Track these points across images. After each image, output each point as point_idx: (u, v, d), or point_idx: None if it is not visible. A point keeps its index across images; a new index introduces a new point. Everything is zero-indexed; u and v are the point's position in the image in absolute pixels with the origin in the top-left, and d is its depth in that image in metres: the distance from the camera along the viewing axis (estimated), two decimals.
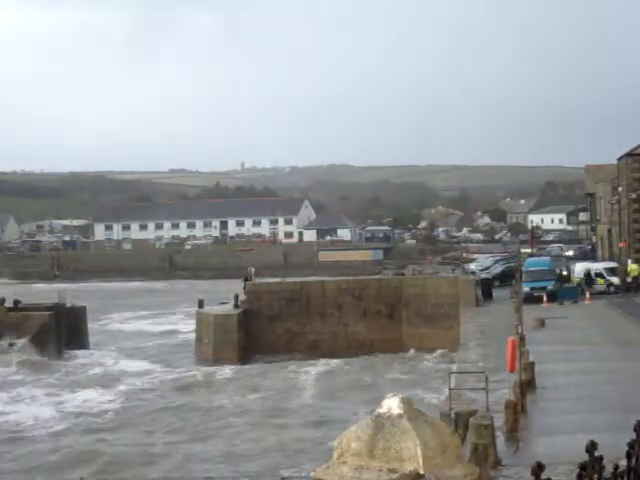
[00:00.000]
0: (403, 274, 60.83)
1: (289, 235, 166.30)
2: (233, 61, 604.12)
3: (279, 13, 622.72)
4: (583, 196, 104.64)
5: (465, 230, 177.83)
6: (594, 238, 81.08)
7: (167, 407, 36.81)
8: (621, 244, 61.55)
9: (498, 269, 64.15)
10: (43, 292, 76.71)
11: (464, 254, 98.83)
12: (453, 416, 20.06)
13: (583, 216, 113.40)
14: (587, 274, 53.92)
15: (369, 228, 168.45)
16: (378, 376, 41.01)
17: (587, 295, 50.24)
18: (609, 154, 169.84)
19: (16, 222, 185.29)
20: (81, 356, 51.43)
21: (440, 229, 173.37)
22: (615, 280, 54.59)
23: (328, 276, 71.30)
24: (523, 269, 49.37)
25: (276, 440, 29.69)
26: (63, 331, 52.40)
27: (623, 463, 4.21)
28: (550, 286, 50.79)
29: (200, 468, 26.59)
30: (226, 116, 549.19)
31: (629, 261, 56.36)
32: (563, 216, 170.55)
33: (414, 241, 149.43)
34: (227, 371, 44.86)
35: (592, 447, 3.94)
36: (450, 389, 23.23)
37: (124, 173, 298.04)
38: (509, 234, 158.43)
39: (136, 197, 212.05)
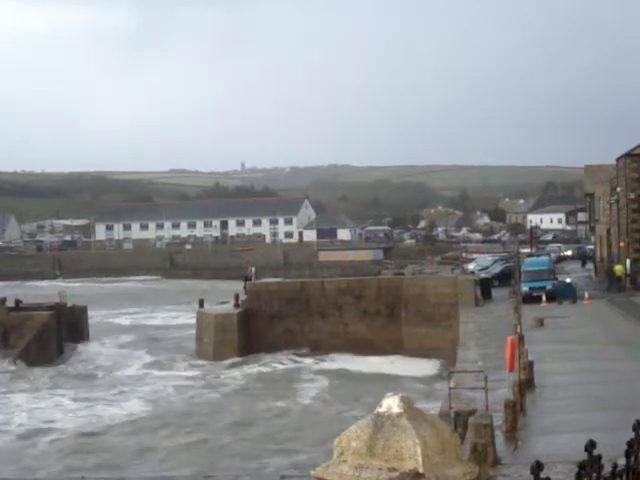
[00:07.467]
0: (403, 274, 60.78)
1: (289, 235, 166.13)
2: (233, 61, 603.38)
3: (279, 13, 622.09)
4: (582, 196, 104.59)
5: (464, 230, 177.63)
6: (593, 238, 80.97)
7: None
8: (621, 244, 61.50)
9: (497, 269, 64.10)
10: (44, 291, 76.70)
11: (463, 254, 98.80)
12: (452, 415, 20.08)
13: (582, 216, 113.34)
14: None
15: (369, 228, 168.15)
16: None
17: (586, 295, 50.26)
18: (609, 154, 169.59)
19: (17, 222, 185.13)
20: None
21: (440, 229, 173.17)
22: None
23: (328, 276, 71.21)
24: (522, 269, 49.37)
25: None
26: (64, 331, 52.40)
27: (622, 462, 4.23)
28: (549, 286, 50.76)
29: None
30: (226, 116, 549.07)
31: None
32: (562, 216, 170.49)
33: (414, 241, 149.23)
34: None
35: (591, 446, 3.96)
36: (450, 388, 23.25)
37: (124, 173, 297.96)
38: (508, 234, 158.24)
39: (136, 197, 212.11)
